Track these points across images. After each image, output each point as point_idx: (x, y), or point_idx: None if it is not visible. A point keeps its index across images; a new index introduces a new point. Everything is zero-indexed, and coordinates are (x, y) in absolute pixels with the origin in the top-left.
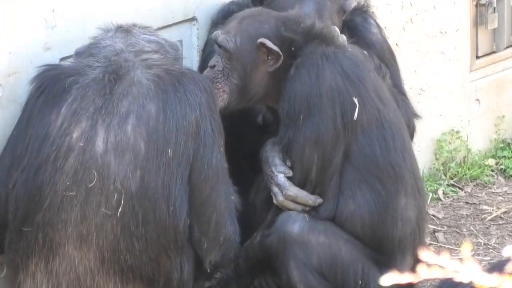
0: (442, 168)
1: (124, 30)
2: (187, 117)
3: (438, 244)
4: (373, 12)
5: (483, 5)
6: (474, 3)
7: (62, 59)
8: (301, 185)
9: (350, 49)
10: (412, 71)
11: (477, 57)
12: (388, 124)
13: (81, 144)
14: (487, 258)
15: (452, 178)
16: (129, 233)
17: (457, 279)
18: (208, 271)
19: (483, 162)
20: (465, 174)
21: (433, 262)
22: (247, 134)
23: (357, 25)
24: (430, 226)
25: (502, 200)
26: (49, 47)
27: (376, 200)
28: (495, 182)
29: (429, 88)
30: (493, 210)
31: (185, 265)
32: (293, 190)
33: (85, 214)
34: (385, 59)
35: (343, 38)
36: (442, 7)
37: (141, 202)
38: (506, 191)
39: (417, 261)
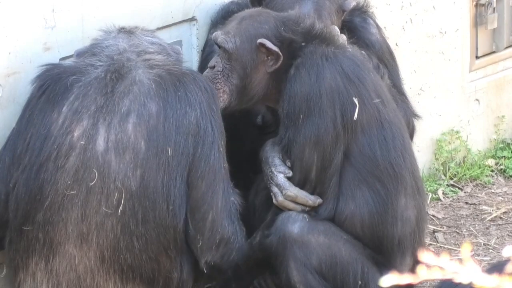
0: (442, 168)
1: (127, 32)
2: (187, 116)
3: (438, 244)
4: (372, 12)
5: (483, 5)
6: (474, 3)
7: (62, 59)
8: (301, 185)
9: (350, 49)
10: (412, 71)
11: (477, 57)
12: (388, 124)
13: (82, 142)
14: (487, 258)
15: (451, 178)
16: (129, 232)
17: (457, 279)
18: (205, 271)
19: (482, 162)
20: (465, 174)
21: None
22: (246, 134)
23: (356, 25)
24: (429, 226)
25: (501, 200)
26: (48, 47)
27: (376, 200)
28: (495, 183)
29: (428, 88)
30: (492, 210)
31: (184, 265)
32: (293, 190)
33: (85, 213)
34: (385, 59)
35: (343, 38)
36: (441, 7)
37: (141, 201)
38: (505, 192)
39: (416, 261)
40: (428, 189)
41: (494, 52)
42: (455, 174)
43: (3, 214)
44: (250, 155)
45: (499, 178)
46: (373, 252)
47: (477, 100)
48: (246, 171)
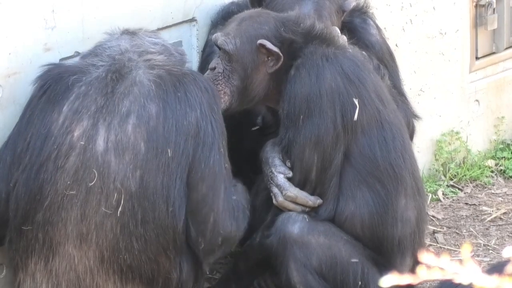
0: (442, 169)
1: (130, 33)
2: (187, 117)
3: (438, 245)
4: (372, 13)
5: (483, 6)
6: (474, 4)
7: (62, 59)
8: (301, 185)
9: (350, 50)
10: (412, 72)
11: (477, 58)
12: (388, 125)
13: (82, 143)
14: (487, 259)
15: (451, 179)
16: (129, 232)
17: (457, 280)
18: (207, 272)
19: (482, 163)
20: (465, 175)
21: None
22: (246, 135)
23: (356, 26)
24: (429, 227)
25: (501, 201)
26: (48, 47)
27: (376, 201)
28: (495, 183)
29: (428, 88)
30: (492, 211)
31: (184, 265)
32: (293, 191)
33: (85, 213)
34: (384, 60)
35: (343, 38)
36: (441, 8)
37: (141, 201)
38: (505, 192)
39: (416, 262)
40: (428, 189)
41: (494, 53)
42: (455, 175)
43: (4, 214)
44: (250, 155)
45: (499, 178)
46: (373, 252)
47: (477, 101)
48: (246, 171)
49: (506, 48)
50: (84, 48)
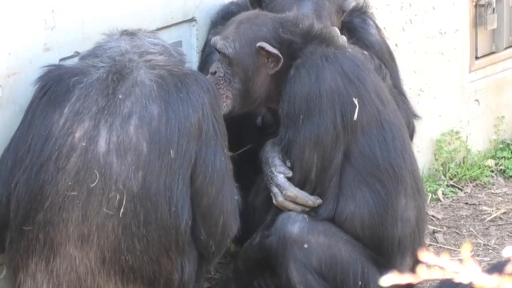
0: (442, 169)
1: (130, 34)
2: (189, 118)
3: (438, 244)
4: (372, 13)
5: (483, 5)
6: (474, 3)
7: (62, 59)
8: (301, 185)
9: (350, 50)
10: (412, 72)
11: (477, 58)
12: (388, 124)
13: (84, 144)
14: (487, 258)
15: (451, 179)
16: (130, 233)
17: (457, 280)
18: (212, 273)
19: (482, 162)
20: (465, 175)
21: (433, 262)
22: (246, 135)
23: (355, 26)
24: (429, 226)
25: (501, 200)
26: (48, 47)
27: (376, 201)
28: (495, 183)
29: (428, 88)
30: (492, 210)
31: (186, 266)
32: (293, 191)
33: (86, 214)
34: (384, 60)
35: (343, 38)
36: (441, 8)
37: (143, 202)
38: (505, 192)
39: (416, 261)
40: (428, 189)
41: (493, 52)
42: (455, 175)
43: (5, 216)
44: (250, 155)
45: (499, 178)
46: (373, 252)
47: (476, 100)
48: (246, 171)
49: (506, 48)
50: (84, 48)
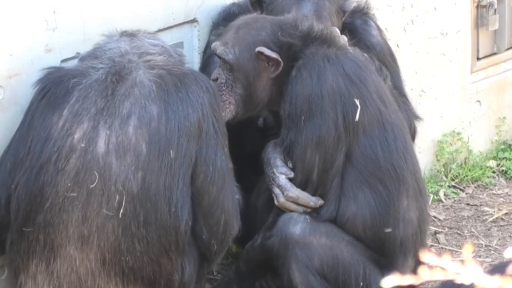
0: (443, 170)
1: (129, 34)
2: (189, 118)
3: (440, 245)
4: (373, 14)
5: (484, 6)
6: (475, 4)
7: (63, 61)
8: (303, 186)
9: (351, 51)
10: (413, 73)
11: (478, 59)
12: (389, 125)
13: (83, 145)
14: (489, 259)
15: (453, 180)
16: (130, 234)
17: (459, 281)
18: (214, 272)
19: (484, 163)
20: (466, 176)
21: (435, 263)
22: (248, 136)
23: (357, 27)
24: (431, 227)
25: (503, 201)
26: (50, 49)
27: (378, 202)
28: (496, 184)
29: (430, 89)
30: (494, 211)
31: (186, 267)
32: (295, 192)
33: (86, 215)
34: (386, 61)
35: (344, 39)
36: (443, 9)
37: (143, 203)
38: (507, 193)
39: (418, 262)
40: (430, 190)
41: (495, 53)
42: (456, 176)
43: (4, 218)
44: (251, 157)
45: (501, 179)
46: (375, 253)
47: (478, 101)
48: (247, 173)
49: (508, 49)
50: (86, 49)
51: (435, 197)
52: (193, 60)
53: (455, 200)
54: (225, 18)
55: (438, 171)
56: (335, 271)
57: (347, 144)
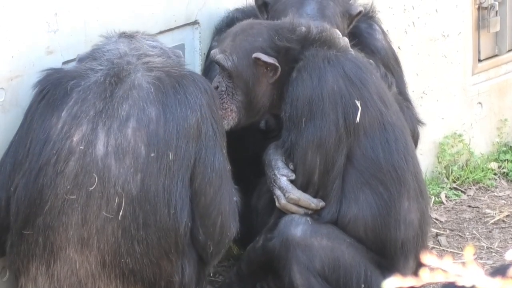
0: (445, 172)
1: (128, 36)
2: (187, 120)
3: (441, 247)
4: (378, 18)
5: (485, 8)
6: (476, 6)
7: (65, 63)
8: (304, 188)
9: (352, 52)
10: (414, 74)
11: (479, 60)
12: (390, 126)
13: (82, 147)
14: (490, 261)
15: (454, 182)
16: (130, 236)
17: (460, 282)
18: (211, 274)
19: (485, 165)
20: (468, 178)
21: (436, 265)
22: (249, 138)
23: (362, 31)
24: (432, 229)
25: (504, 203)
26: (51, 51)
27: (379, 203)
28: (498, 186)
29: (431, 91)
30: (495, 213)
31: (186, 268)
32: (296, 193)
33: (86, 218)
34: (390, 66)
35: (344, 40)
36: (444, 11)
37: (142, 205)
38: (508, 195)
39: (419, 264)
40: (431, 192)
41: (496, 55)
42: (458, 177)
43: (4, 220)
44: (253, 159)
45: (502, 181)
46: (376, 255)
47: (479, 103)
48: (248, 175)
49: (509, 51)
50: (87, 51)
51: (437, 199)
52: (194, 62)
53: (456, 202)
54: (228, 24)
55: (439, 173)
56: (336, 273)
57: (348, 146)
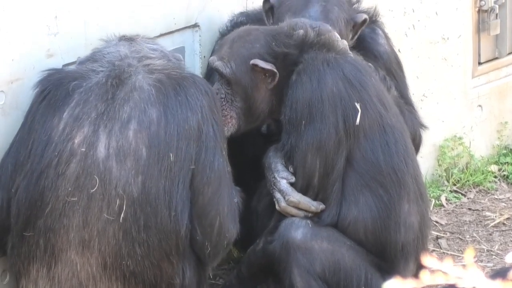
0: (445, 174)
1: (128, 39)
2: (188, 121)
3: (441, 250)
4: (381, 22)
5: (485, 11)
6: (476, 9)
7: (65, 65)
8: (304, 191)
9: (351, 54)
10: (415, 77)
11: (480, 63)
12: (390, 129)
13: (83, 149)
14: (490, 264)
15: (455, 184)
16: (131, 238)
17: (460, 285)
18: (211, 276)
19: (485, 168)
20: (468, 180)
21: (436, 268)
22: (250, 141)
23: (365, 36)
24: (433, 232)
25: (505, 206)
26: (51, 53)
27: (379, 206)
28: (498, 188)
29: (431, 94)
30: (496, 216)
31: (187, 270)
32: (296, 196)
33: (87, 220)
34: (392, 70)
35: (343, 43)
36: (444, 13)
37: (143, 207)
38: (509, 198)
39: (420, 267)
40: (431, 195)
41: (496, 58)
42: (458, 180)
43: (5, 221)
44: (253, 162)
45: (502, 184)
46: (377, 258)
47: (480, 106)
48: (248, 178)
49: (509, 53)
50: (87, 54)
51: (437, 202)
52: (195, 65)
53: (456, 205)
54: (233, 28)
55: (439, 176)
56: (336, 276)
57: (348, 148)
